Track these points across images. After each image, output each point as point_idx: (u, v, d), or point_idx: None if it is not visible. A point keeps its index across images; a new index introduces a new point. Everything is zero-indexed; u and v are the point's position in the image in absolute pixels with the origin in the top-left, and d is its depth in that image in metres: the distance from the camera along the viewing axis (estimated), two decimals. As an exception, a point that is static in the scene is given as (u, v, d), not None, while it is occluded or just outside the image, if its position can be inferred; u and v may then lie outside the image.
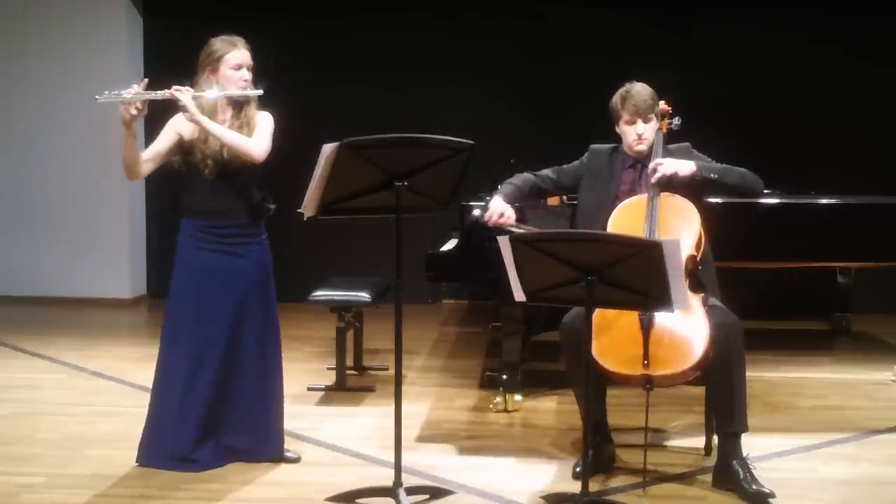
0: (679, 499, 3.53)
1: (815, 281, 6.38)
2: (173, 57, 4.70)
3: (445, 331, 6.87)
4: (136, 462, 3.78)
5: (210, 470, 3.72)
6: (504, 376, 4.62)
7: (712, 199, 4.26)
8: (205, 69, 3.66)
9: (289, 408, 3.96)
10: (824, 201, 5.25)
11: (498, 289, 4.00)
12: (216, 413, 3.75)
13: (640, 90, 3.80)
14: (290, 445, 3.93)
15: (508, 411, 4.59)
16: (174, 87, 3.49)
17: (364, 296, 4.99)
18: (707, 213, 3.74)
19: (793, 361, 5.70)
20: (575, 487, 3.41)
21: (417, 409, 4.62)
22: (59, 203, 7.87)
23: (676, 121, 3.89)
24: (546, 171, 4.04)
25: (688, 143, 3.90)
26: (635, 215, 3.65)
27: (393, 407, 3.44)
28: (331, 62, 7.73)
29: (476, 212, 4.00)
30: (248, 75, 3.67)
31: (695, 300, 3.45)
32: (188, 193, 3.73)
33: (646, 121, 3.80)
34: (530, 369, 5.08)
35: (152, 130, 3.71)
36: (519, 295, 3.23)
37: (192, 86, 3.58)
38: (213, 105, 3.64)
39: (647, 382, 3.35)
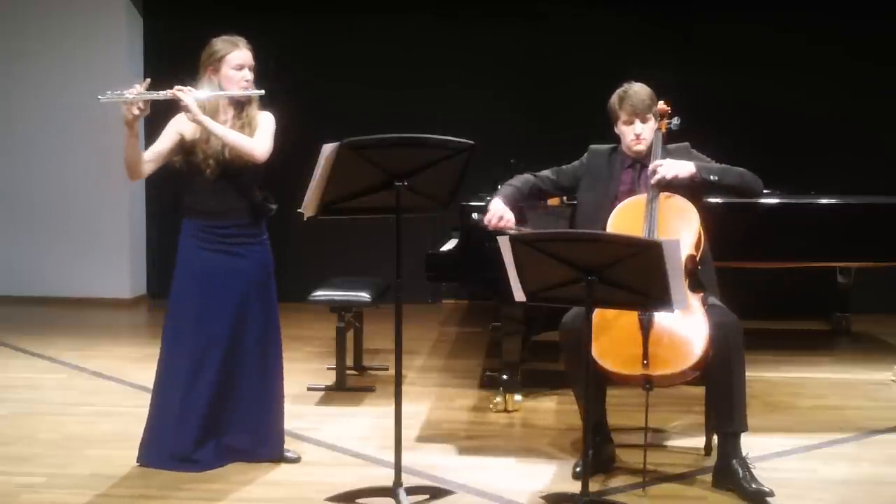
0: (679, 499, 3.53)
1: (815, 281, 6.38)
2: (173, 57, 4.71)
3: (445, 331, 6.87)
4: (137, 462, 3.78)
5: (210, 470, 3.72)
6: (504, 376, 4.62)
7: (712, 200, 4.27)
8: (206, 69, 3.66)
9: (289, 408, 3.96)
10: (824, 201, 5.25)
11: (498, 289, 4.00)
12: (217, 413, 3.75)
13: (637, 90, 3.80)
14: (290, 445, 3.93)
15: (508, 411, 4.59)
16: (176, 87, 3.49)
17: (364, 296, 4.99)
18: (707, 213, 3.74)
19: (793, 361, 5.70)
20: (575, 487, 3.41)
21: (417, 409, 4.62)
22: (59, 203, 7.87)
23: (675, 121, 3.89)
24: (545, 172, 4.04)
25: (687, 143, 3.90)
26: (634, 215, 3.65)
27: (393, 407, 3.44)
28: (331, 62, 7.73)
29: (475, 215, 3.99)
30: (249, 75, 3.67)
31: (694, 300, 3.45)
32: (190, 193, 3.73)
33: (644, 121, 3.80)
34: (530, 369, 5.08)
35: (153, 132, 3.70)
36: (519, 295, 3.23)
37: (194, 86, 3.58)
38: (215, 105, 3.65)
39: (647, 382, 3.35)
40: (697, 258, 3.64)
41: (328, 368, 5.28)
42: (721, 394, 3.53)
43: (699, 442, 4.01)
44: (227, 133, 3.57)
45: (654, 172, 3.68)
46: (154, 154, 3.64)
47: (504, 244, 3.13)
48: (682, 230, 3.57)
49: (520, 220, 3.93)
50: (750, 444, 3.63)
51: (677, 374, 3.38)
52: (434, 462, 3.89)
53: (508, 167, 5.36)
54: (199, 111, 3.50)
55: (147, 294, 8.11)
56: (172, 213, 4.22)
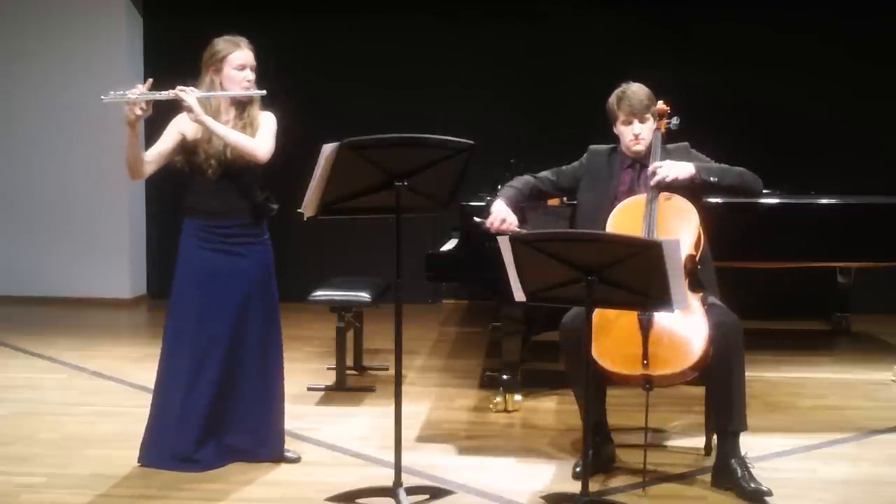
0: (679, 499, 3.53)
1: (815, 281, 6.38)
2: (173, 57, 4.72)
3: (445, 331, 6.87)
4: (138, 462, 3.78)
5: (211, 470, 3.72)
6: (504, 376, 4.62)
7: (712, 199, 4.27)
8: (208, 69, 3.66)
9: (289, 408, 3.96)
10: (824, 201, 5.25)
11: (498, 289, 4.00)
12: (218, 413, 3.75)
13: (636, 90, 3.80)
14: (290, 445, 3.93)
15: (508, 411, 4.59)
16: (178, 87, 3.49)
17: (364, 296, 4.99)
18: (707, 213, 3.74)
19: (793, 361, 5.70)
20: (575, 487, 3.41)
21: (417, 409, 4.62)
22: (59, 203, 7.87)
23: (675, 120, 3.89)
24: (545, 173, 4.04)
25: (686, 143, 3.90)
26: (634, 215, 3.65)
27: (393, 407, 3.44)
28: (331, 62, 7.73)
29: (477, 219, 3.99)
30: (251, 76, 3.67)
31: (694, 300, 3.45)
32: (191, 193, 3.73)
33: (642, 121, 3.80)
34: (530, 369, 5.08)
35: (152, 134, 3.70)
36: (519, 295, 3.23)
37: (195, 86, 3.58)
38: (217, 105, 3.65)
39: (647, 382, 3.35)
40: (697, 258, 3.64)
41: (328, 368, 5.28)
42: (721, 393, 3.53)
43: (699, 442, 4.01)
44: (229, 133, 3.57)
45: (654, 174, 3.68)
46: (155, 154, 3.64)
47: (504, 244, 3.13)
48: (681, 230, 3.57)
49: (522, 222, 3.93)
50: (750, 443, 3.63)
51: (677, 374, 3.38)
52: (434, 462, 3.89)
53: (508, 167, 5.36)
54: (201, 111, 3.50)
55: (147, 294, 8.11)
56: (172, 213, 4.22)
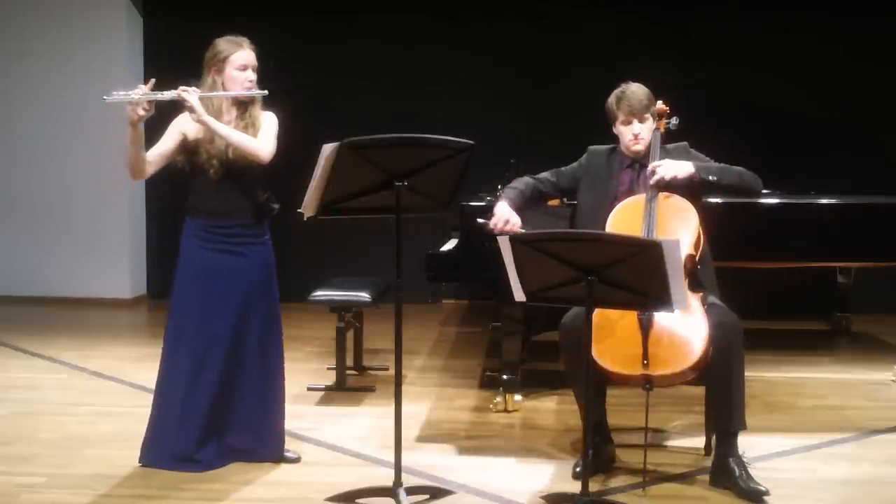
0: (679, 499, 3.53)
1: (815, 281, 6.38)
2: (173, 57, 4.72)
3: (445, 331, 6.87)
4: (139, 462, 3.78)
5: (212, 470, 3.72)
6: (504, 376, 4.62)
7: (712, 199, 4.27)
8: (210, 69, 3.67)
9: (289, 408, 3.96)
10: (824, 201, 5.25)
11: (498, 289, 4.00)
12: (219, 413, 3.75)
13: (635, 90, 3.80)
14: (290, 445, 3.93)
15: (508, 411, 4.59)
16: (181, 87, 3.49)
17: (364, 296, 4.99)
18: (706, 213, 3.74)
19: (793, 361, 5.70)
20: (575, 487, 3.41)
21: (417, 409, 4.62)
22: (59, 203, 7.87)
23: (674, 120, 3.90)
24: (545, 174, 4.04)
25: (685, 143, 3.90)
26: (633, 215, 3.65)
27: (393, 407, 3.44)
28: (331, 62, 7.73)
29: (480, 220, 3.99)
30: (253, 76, 3.68)
31: (694, 300, 3.45)
32: (193, 193, 3.73)
33: (641, 121, 3.80)
34: (530, 369, 5.08)
35: (153, 134, 3.70)
36: (519, 295, 3.23)
37: (196, 86, 3.59)
38: (219, 106, 3.65)
39: (647, 382, 3.35)
40: (697, 258, 3.64)
41: (328, 368, 5.28)
42: (720, 392, 3.54)
43: (699, 442, 4.01)
44: (231, 133, 3.57)
45: (653, 173, 3.68)
46: (156, 154, 3.64)
47: (504, 244, 3.13)
48: (681, 230, 3.57)
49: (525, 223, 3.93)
50: (750, 443, 3.63)
51: (677, 374, 3.38)
52: (434, 462, 3.89)
53: (508, 167, 5.36)
54: (204, 112, 3.50)
55: (147, 294, 8.11)
56: (172, 213, 4.22)
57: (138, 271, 8.08)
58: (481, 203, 4.72)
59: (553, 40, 7.54)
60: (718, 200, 4.55)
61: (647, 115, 3.81)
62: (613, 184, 3.87)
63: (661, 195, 3.67)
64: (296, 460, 3.87)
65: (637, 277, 3.03)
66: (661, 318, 3.36)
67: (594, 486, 3.46)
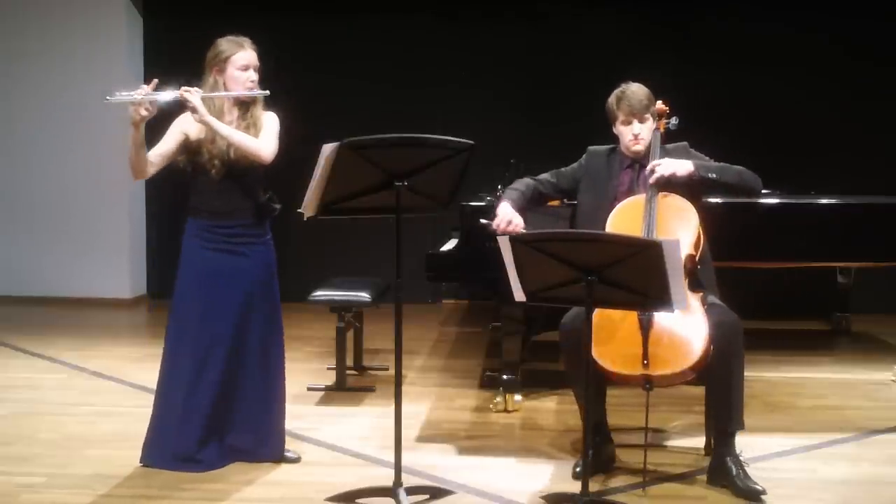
0: (679, 499, 3.53)
1: (815, 281, 6.38)
2: (173, 57, 4.72)
3: (445, 331, 6.87)
4: (140, 462, 3.78)
5: (213, 470, 3.72)
6: (504, 376, 4.62)
7: (712, 199, 4.27)
8: (212, 70, 3.67)
9: (289, 408, 3.96)
10: (824, 201, 5.25)
11: (498, 289, 4.00)
12: (220, 413, 3.75)
13: (635, 90, 3.80)
14: (290, 445, 3.93)
15: (508, 411, 4.59)
16: (183, 87, 3.49)
17: (364, 296, 4.99)
18: (706, 213, 3.74)
19: (793, 361, 5.70)
20: (575, 487, 3.41)
21: (417, 409, 4.62)
22: (59, 203, 7.87)
23: (674, 120, 3.90)
24: (545, 175, 4.04)
25: (685, 143, 3.90)
26: (633, 215, 3.65)
27: (393, 407, 3.44)
28: (331, 62, 7.73)
29: (483, 220, 3.99)
30: (254, 76, 3.68)
31: (694, 300, 3.45)
32: (195, 193, 3.73)
33: (641, 121, 3.80)
34: (530, 369, 5.08)
35: (154, 136, 3.70)
36: (519, 295, 3.23)
37: (197, 86, 3.59)
38: (220, 106, 3.65)
39: (647, 382, 3.35)
40: (697, 258, 3.65)
41: (328, 368, 5.28)
42: (719, 392, 3.54)
43: (699, 442, 4.01)
44: (232, 133, 3.57)
45: (653, 171, 3.68)
46: (158, 154, 3.64)
47: (504, 244, 3.13)
48: (680, 230, 3.57)
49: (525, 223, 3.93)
50: (750, 443, 3.64)
51: (677, 374, 3.38)
52: (434, 462, 3.89)
53: (508, 167, 5.36)
54: (206, 112, 3.50)
55: (147, 294, 8.11)
56: (172, 213, 4.23)
57: (138, 271, 8.08)
58: (481, 203, 4.72)
59: (553, 40, 7.54)
60: (718, 200, 4.55)
61: (647, 115, 3.81)
62: (613, 184, 3.87)
63: (661, 195, 3.67)
64: (296, 460, 3.87)
65: (637, 277, 3.04)
66: (661, 318, 3.36)
67: (594, 486, 3.46)
